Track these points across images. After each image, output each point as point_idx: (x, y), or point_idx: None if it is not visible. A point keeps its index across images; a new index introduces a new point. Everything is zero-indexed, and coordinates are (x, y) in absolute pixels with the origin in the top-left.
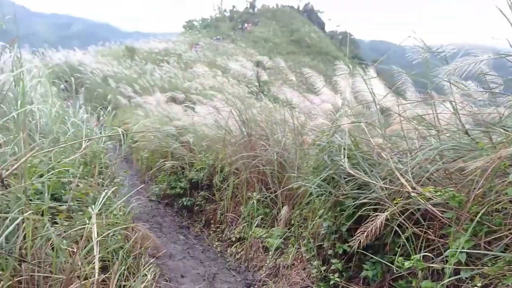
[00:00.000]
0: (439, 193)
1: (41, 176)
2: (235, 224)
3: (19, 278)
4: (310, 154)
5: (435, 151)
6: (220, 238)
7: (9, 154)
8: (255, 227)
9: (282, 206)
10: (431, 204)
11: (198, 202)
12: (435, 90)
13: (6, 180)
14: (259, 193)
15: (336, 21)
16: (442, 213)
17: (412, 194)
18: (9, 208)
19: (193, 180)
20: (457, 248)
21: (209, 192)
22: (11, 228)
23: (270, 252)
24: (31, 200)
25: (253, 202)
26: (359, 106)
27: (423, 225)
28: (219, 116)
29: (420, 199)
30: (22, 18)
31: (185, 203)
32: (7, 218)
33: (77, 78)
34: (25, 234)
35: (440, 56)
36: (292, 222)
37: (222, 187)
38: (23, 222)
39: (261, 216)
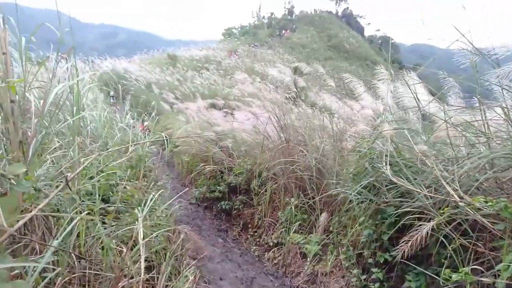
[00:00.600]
0: (490, 203)
1: (91, 178)
2: (273, 229)
3: (74, 275)
4: (349, 161)
5: (484, 159)
6: (258, 243)
7: (62, 156)
8: (293, 232)
9: (321, 213)
10: (481, 215)
11: (236, 206)
12: (483, 95)
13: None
14: (297, 199)
15: (376, 25)
16: (493, 225)
17: (460, 203)
18: (64, 207)
19: (231, 184)
20: (510, 262)
21: (247, 197)
22: (69, 227)
23: (308, 259)
24: (83, 201)
25: (291, 208)
26: (401, 112)
27: (472, 236)
28: (257, 121)
29: (469, 209)
30: (74, 29)
31: (223, 206)
32: (63, 217)
33: (123, 85)
34: (78, 232)
35: (490, 59)
36: (331, 229)
37: (260, 192)
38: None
39: (299, 222)
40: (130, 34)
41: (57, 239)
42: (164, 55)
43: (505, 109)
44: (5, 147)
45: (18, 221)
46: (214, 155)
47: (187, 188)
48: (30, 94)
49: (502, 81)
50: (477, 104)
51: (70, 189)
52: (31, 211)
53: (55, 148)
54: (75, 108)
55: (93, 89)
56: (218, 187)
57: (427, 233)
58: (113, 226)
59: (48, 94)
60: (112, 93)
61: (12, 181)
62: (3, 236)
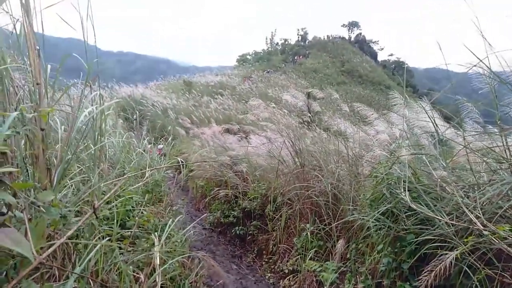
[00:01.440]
0: None
1: (109, 203)
2: (288, 255)
3: None
4: (366, 186)
5: (507, 186)
6: (273, 270)
7: (81, 181)
8: (309, 260)
9: (337, 239)
10: (507, 244)
11: (250, 232)
12: (503, 120)
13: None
14: (312, 225)
15: (389, 49)
16: None
17: (484, 232)
18: (84, 233)
19: (246, 209)
20: None
21: (261, 222)
22: (92, 254)
23: (325, 287)
24: (101, 226)
25: (307, 234)
26: (417, 137)
27: (498, 266)
28: (272, 146)
29: (493, 238)
30: (95, 57)
31: (238, 232)
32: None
33: (140, 111)
34: (97, 259)
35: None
36: (348, 256)
37: (275, 217)
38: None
39: (315, 249)
40: (147, 61)
41: (79, 265)
42: (180, 81)
43: None
44: (31, 173)
45: (42, 248)
46: (229, 179)
47: (201, 213)
48: (51, 121)
49: None
50: (497, 130)
51: (97, 217)
52: (54, 237)
53: (75, 173)
54: (97, 134)
55: (112, 114)
56: (232, 212)
57: (451, 262)
58: (129, 251)
59: (75, 121)
60: (134, 117)
61: (41, 208)
62: (33, 263)
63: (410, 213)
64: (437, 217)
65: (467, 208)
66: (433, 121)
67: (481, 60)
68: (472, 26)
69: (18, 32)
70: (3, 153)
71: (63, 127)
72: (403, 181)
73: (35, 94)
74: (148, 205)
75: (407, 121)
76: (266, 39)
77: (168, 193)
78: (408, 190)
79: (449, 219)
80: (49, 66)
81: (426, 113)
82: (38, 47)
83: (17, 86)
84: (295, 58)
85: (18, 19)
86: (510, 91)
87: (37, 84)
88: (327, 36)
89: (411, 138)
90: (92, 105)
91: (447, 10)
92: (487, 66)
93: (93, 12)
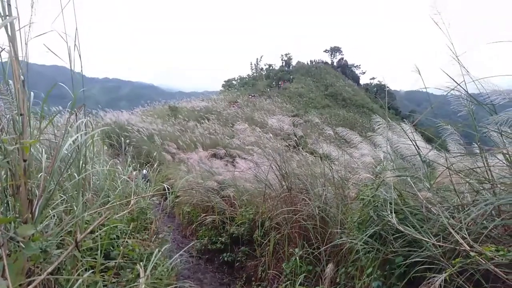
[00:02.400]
0: (501, 252)
1: (92, 233)
2: (277, 281)
3: None
4: (353, 209)
5: (491, 206)
6: None
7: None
8: (299, 285)
9: (327, 264)
10: (494, 265)
11: (239, 258)
12: (482, 141)
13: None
14: (301, 249)
15: (371, 73)
16: (506, 275)
17: (471, 253)
18: (65, 265)
19: (233, 235)
20: None
21: (250, 248)
22: None
23: None
24: (83, 257)
25: (296, 259)
26: (401, 159)
27: (486, 287)
28: (258, 170)
29: (481, 259)
30: (79, 84)
31: (226, 258)
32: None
33: (125, 137)
34: None
35: (486, 105)
36: (338, 280)
37: (263, 242)
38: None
39: (304, 274)
40: (133, 87)
41: None
42: (166, 107)
43: (507, 155)
44: (12, 205)
45: (21, 285)
46: (216, 204)
47: (188, 240)
48: (35, 150)
49: (501, 128)
50: (477, 150)
51: (79, 251)
52: (35, 272)
53: (57, 203)
54: (81, 163)
55: (96, 141)
56: (220, 238)
57: (441, 285)
58: (113, 283)
59: (59, 150)
60: (118, 143)
61: (20, 243)
62: None
63: (397, 235)
64: (424, 238)
65: (453, 229)
66: (414, 144)
67: (458, 84)
68: (448, 51)
69: (2, 60)
70: None
71: (46, 155)
72: (390, 203)
73: (19, 123)
74: (133, 233)
75: (391, 144)
76: (251, 64)
77: (154, 220)
78: (394, 212)
79: (436, 240)
80: (32, 94)
81: (408, 136)
82: (23, 77)
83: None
84: (280, 82)
85: (4, 48)
86: (487, 113)
87: (21, 114)
88: (311, 61)
89: (395, 160)
90: (77, 133)
91: (426, 35)
92: (464, 90)
93: (80, 41)
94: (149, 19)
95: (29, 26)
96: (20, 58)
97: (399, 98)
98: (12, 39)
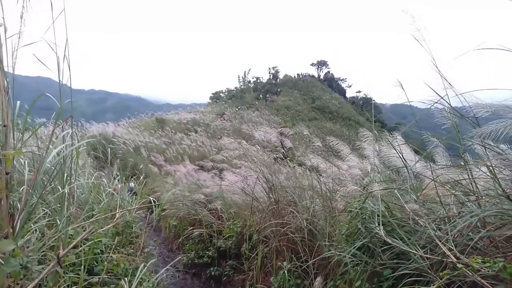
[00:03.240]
0: (488, 264)
1: (75, 247)
2: None
3: None
4: (341, 221)
5: (476, 218)
6: None
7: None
8: None
9: (315, 277)
10: (480, 276)
11: (226, 272)
12: (466, 153)
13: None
14: (289, 263)
15: (356, 86)
16: (493, 286)
17: (458, 265)
18: (47, 281)
19: (221, 249)
20: None
21: (237, 261)
22: None
23: None
24: (66, 273)
25: (284, 272)
26: (388, 171)
27: None
28: (246, 183)
29: (467, 271)
30: (65, 95)
31: (213, 273)
32: None
33: (111, 149)
34: None
35: (469, 118)
36: None
37: (251, 256)
38: None
39: None
40: (119, 99)
41: None
42: (153, 119)
43: (490, 168)
44: None
45: None
46: (203, 218)
47: (174, 254)
48: (17, 162)
49: (485, 141)
50: (462, 163)
51: (62, 267)
52: None
53: (39, 217)
54: (66, 175)
55: (82, 153)
56: (207, 252)
57: None
58: None
59: (42, 163)
60: (103, 155)
61: (0, 258)
62: None
63: (385, 247)
64: (412, 250)
65: (440, 241)
66: (401, 156)
67: (442, 97)
68: (430, 64)
69: None
70: None
71: (28, 168)
72: (377, 215)
73: (2, 135)
74: (118, 248)
75: (378, 155)
76: (239, 77)
77: (140, 234)
78: (382, 224)
79: (423, 252)
80: (18, 105)
81: (394, 148)
82: (8, 89)
83: None
84: (267, 95)
85: None
86: (471, 126)
87: (5, 126)
88: (298, 74)
89: (382, 172)
90: (62, 145)
91: (408, 48)
92: (447, 103)
93: (69, 52)
94: (136, 30)
95: (18, 37)
96: (6, 69)
97: (384, 111)
98: None
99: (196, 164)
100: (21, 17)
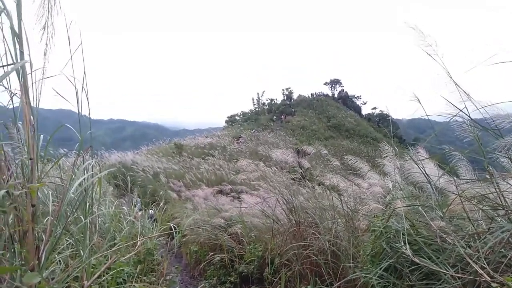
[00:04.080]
0: None
1: (99, 277)
2: None
3: None
4: (364, 241)
5: (507, 233)
6: None
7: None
8: None
9: None
10: None
11: None
12: (491, 166)
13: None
14: (314, 286)
15: (372, 103)
16: None
17: (493, 284)
18: None
19: (243, 274)
20: None
21: (260, 286)
22: None
23: None
24: None
25: None
26: (411, 188)
27: None
28: (265, 205)
29: None
30: (85, 126)
31: None
32: None
33: (130, 176)
34: None
35: (491, 130)
36: None
37: (274, 280)
38: None
39: None
40: (137, 127)
41: None
42: (171, 145)
43: None
44: (18, 251)
45: None
46: (224, 242)
47: (197, 281)
48: (41, 193)
49: (509, 152)
50: (487, 176)
51: None
52: None
53: (63, 247)
54: (88, 205)
55: (102, 182)
56: (229, 278)
57: None
58: None
59: (66, 193)
60: (123, 183)
61: None
62: None
63: (413, 267)
64: (442, 270)
65: (471, 259)
66: (423, 172)
67: (461, 110)
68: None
69: (14, 105)
70: None
71: (52, 199)
72: (402, 234)
73: (28, 168)
74: (140, 276)
75: (400, 171)
76: (253, 99)
77: (161, 261)
78: (408, 243)
79: (454, 271)
80: (41, 138)
81: (416, 163)
82: (33, 123)
83: (8, 160)
84: (282, 116)
85: (15, 93)
86: (493, 138)
87: (31, 159)
88: (311, 94)
89: (405, 189)
90: (84, 175)
91: (421, 62)
92: (467, 115)
93: (87, 84)
94: (152, 59)
95: (42, 73)
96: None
97: (402, 127)
98: (24, 86)
99: (214, 187)
100: (45, 54)
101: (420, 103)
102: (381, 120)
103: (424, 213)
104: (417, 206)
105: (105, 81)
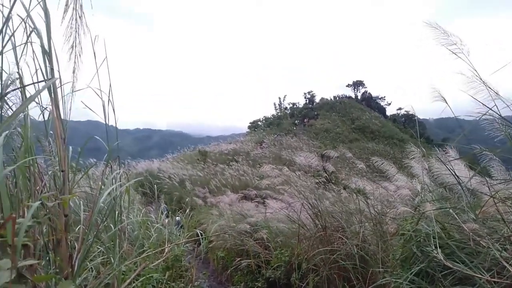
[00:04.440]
0: None
1: (128, 283)
2: None
3: None
4: (394, 245)
5: None
6: None
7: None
8: None
9: None
10: None
11: None
12: None
13: None
14: None
15: (396, 104)
16: None
17: None
18: None
19: (270, 279)
20: None
21: None
22: None
23: None
24: None
25: None
26: (440, 189)
27: None
28: (290, 210)
29: None
30: (112, 136)
31: None
32: None
33: (157, 184)
34: None
35: None
36: None
37: (301, 285)
38: None
39: None
40: (162, 135)
41: None
42: (195, 152)
43: None
44: (52, 260)
45: None
46: (250, 248)
47: (224, 286)
48: (72, 202)
49: None
50: None
51: None
52: None
53: (94, 255)
54: (117, 214)
55: (130, 190)
56: (256, 283)
57: None
58: None
59: (96, 204)
60: (150, 191)
61: None
62: None
63: (446, 272)
64: (477, 274)
65: (507, 263)
66: (453, 173)
67: (490, 108)
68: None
69: (45, 118)
70: (24, 245)
71: (83, 207)
72: (433, 237)
73: (60, 179)
74: (169, 282)
75: (429, 173)
76: (275, 104)
77: (189, 267)
78: (439, 247)
79: (490, 276)
80: (70, 149)
81: (445, 164)
82: (64, 137)
83: (40, 172)
84: (305, 120)
85: (46, 108)
86: None
87: (62, 171)
88: (334, 96)
89: (434, 191)
90: (113, 185)
91: (444, 60)
92: (498, 114)
93: (112, 95)
94: (175, 67)
95: (72, 91)
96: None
97: (429, 127)
98: (55, 101)
99: (239, 193)
100: (74, 72)
101: (446, 103)
102: (407, 121)
103: (456, 216)
104: (448, 209)
105: (129, 91)
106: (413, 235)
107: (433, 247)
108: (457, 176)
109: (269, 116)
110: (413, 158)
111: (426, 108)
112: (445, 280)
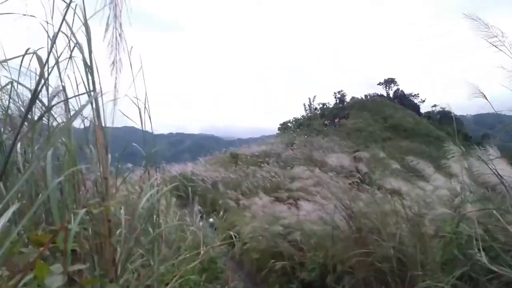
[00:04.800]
0: None
1: (167, 284)
2: None
3: None
4: (433, 248)
5: None
6: None
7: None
8: None
9: None
10: None
11: None
12: None
13: None
14: None
15: (431, 101)
16: None
17: None
18: None
19: (305, 281)
20: None
21: None
22: None
23: None
24: None
25: None
26: (482, 190)
27: None
28: (323, 211)
29: None
30: (146, 141)
31: None
32: None
33: (191, 187)
34: None
35: None
36: None
37: None
38: None
39: None
40: (194, 139)
41: None
42: (227, 154)
43: None
44: (97, 262)
45: None
46: (284, 250)
47: None
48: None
49: None
50: None
51: None
52: None
53: (135, 257)
54: (155, 217)
55: (165, 194)
56: (291, 285)
57: None
58: None
59: (136, 209)
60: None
61: None
62: None
63: (491, 276)
64: None
65: None
66: (495, 172)
67: None
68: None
69: (85, 125)
70: (72, 250)
71: (123, 211)
72: (475, 240)
73: (102, 186)
74: (205, 284)
75: (469, 172)
76: (304, 105)
77: (224, 269)
78: (483, 250)
79: None
80: (109, 156)
81: (486, 163)
82: (106, 146)
83: (84, 179)
84: (335, 120)
85: (87, 117)
86: None
87: (105, 178)
88: (365, 95)
89: (475, 192)
90: (151, 190)
91: (486, 55)
92: None
93: (149, 104)
94: (200, 72)
95: (114, 104)
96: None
97: (466, 123)
98: (96, 112)
99: (271, 195)
100: (115, 87)
101: (486, 98)
102: (443, 118)
103: (500, 217)
104: (491, 210)
105: (163, 96)
106: (454, 237)
107: (476, 250)
108: (500, 175)
109: (299, 117)
110: (452, 157)
111: (462, 104)
112: (491, 284)
